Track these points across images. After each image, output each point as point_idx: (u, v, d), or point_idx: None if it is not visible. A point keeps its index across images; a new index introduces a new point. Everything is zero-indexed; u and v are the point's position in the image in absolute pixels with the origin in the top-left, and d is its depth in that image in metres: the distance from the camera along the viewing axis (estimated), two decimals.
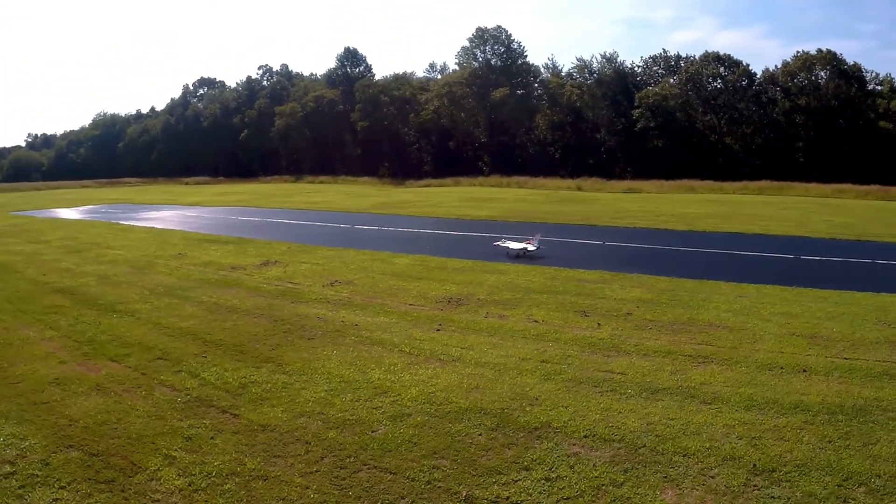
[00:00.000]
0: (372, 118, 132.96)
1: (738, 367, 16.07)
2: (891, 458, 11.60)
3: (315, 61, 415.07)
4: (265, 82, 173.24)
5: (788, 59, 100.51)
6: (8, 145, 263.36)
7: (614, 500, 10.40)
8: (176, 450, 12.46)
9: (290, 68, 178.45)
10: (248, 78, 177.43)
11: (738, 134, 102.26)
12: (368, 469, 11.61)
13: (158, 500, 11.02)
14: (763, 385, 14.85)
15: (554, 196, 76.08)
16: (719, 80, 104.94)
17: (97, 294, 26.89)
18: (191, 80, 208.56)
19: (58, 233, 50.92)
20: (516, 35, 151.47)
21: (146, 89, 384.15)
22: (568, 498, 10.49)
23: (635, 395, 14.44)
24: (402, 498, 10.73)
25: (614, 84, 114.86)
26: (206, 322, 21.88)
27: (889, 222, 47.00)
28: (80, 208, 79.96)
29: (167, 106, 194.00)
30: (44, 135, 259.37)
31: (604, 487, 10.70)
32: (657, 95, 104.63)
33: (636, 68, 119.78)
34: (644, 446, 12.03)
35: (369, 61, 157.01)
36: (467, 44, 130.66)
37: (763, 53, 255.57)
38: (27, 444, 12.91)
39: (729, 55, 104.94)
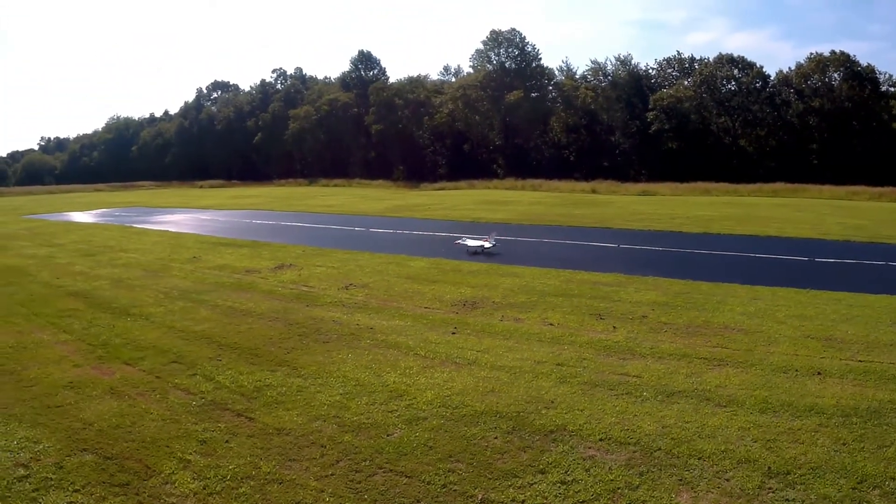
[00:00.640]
0: (386, 121, 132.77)
1: (753, 370, 15.99)
2: None
3: (329, 64, 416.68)
4: (279, 85, 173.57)
5: (802, 61, 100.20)
6: (21, 148, 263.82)
7: None
8: (191, 453, 12.45)
9: (304, 71, 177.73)
10: (262, 81, 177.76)
11: (752, 136, 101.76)
12: (384, 473, 11.57)
13: None
14: (778, 388, 14.78)
15: (569, 199, 76.01)
16: (733, 83, 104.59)
17: (111, 297, 26.89)
18: (204, 84, 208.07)
19: (71, 236, 50.92)
20: (530, 37, 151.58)
21: (159, 93, 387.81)
22: (583, 501, 10.45)
23: (651, 398, 14.38)
24: (418, 501, 10.71)
25: (629, 86, 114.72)
26: (220, 325, 21.88)
27: None
28: (94, 212, 80.00)
29: (181, 109, 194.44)
30: (57, 138, 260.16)
31: (619, 491, 10.66)
32: (671, 98, 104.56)
33: (650, 70, 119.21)
34: (659, 449, 11.98)
35: (383, 64, 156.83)
36: (481, 46, 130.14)
37: (776, 55, 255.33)
38: (41, 447, 12.90)
39: (743, 57, 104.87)
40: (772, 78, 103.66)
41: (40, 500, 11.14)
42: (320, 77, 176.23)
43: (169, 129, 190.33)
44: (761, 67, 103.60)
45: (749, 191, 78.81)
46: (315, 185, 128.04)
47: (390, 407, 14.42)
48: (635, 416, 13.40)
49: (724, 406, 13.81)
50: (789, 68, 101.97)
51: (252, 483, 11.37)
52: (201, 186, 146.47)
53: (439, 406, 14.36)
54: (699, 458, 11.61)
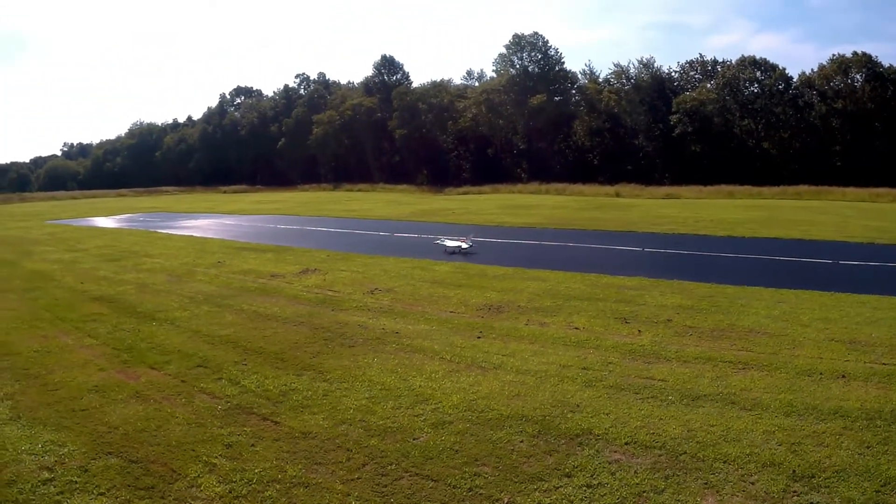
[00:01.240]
0: (410, 126, 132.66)
1: (777, 373, 15.93)
2: None
3: (352, 69, 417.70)
4: (302, 90, 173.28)
5: (824, 63, 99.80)
6: (44, 154, 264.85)
7: None
8: (216, 457, 12.48)
9: (327, 76, 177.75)
10: (286, 86, 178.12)
11: (775, 138, 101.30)
12: (410, 476, 11.58)
13: None
14: (802, 391, 14.72)
15: (593, 202, 75.82)
16: (756, 85, 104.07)
17: (136, 302, 27.02)
18: (227, 89, 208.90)
19: (95, 241, 51.19)
20: (553, 41, 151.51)
21: (182, 99, 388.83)
22: None
23: (676, 401, 14.35)
24: None
25: (652, 89, 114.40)
26: (246, 330, 21.95)
27: None
28: (118, 217, 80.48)
29: (204, 115, 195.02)
30: (80, 144, 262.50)
31: (645, 494, 10.65)
32: (694, 100, 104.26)
33: (673, 73, 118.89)
34: (685, 453, 11.97)
35: (406, 69, 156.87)
36: (504, 51, 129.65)
37: (799, 57, 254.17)
38: (66, 450, 12.96)
39: (765, 59, 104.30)
40: (794, 80, 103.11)
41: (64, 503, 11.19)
42: (343, 82, 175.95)
43: (192, 135, 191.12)
44: (784, 69, 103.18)
45: (773, 193, 78.44)
46: (339, 190, 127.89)
47: (416, 411, 14.42)
48: (661, 420, 13.39)
49: (749, 409, 13.77)
50: (812, 70, 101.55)
51: (278, 486, 11.39)
52: (225, 191, 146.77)
53: (465, 410, 14.35)
54: (724, 462, 11.59)
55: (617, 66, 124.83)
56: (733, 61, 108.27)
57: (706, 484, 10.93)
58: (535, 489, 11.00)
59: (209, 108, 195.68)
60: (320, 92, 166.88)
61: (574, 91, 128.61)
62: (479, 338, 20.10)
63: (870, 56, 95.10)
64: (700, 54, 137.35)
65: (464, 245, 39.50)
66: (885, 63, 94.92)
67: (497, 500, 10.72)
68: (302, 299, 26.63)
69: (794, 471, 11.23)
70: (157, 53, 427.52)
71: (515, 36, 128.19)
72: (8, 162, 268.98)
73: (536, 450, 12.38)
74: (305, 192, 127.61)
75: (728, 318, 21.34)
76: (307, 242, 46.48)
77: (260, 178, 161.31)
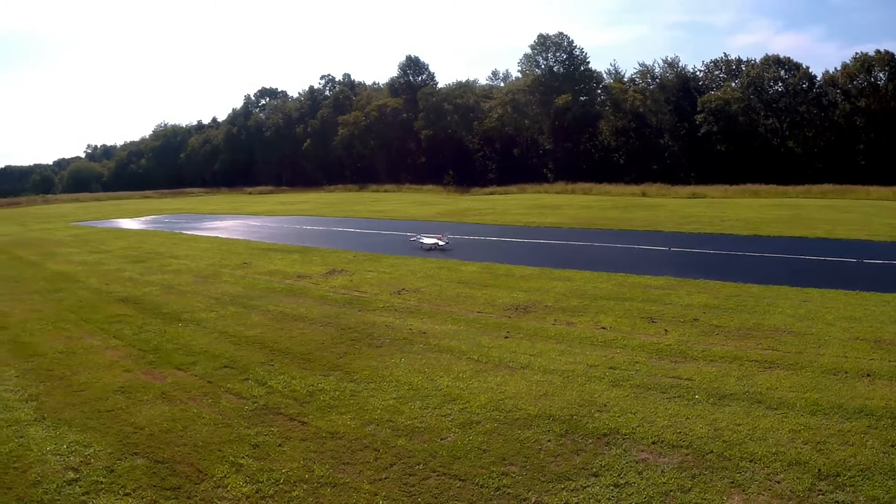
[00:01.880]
0: (435, 126, 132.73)
1: (803, 372, 15.90)
2: None
3: (377, 70, 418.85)
4: (327, 92, 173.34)
5: (847, 61, 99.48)
6: (67, 156, 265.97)
7: None
8: (243, 457, 12.53)
9: (352, 77, 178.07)
10: (311, 88, 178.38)
11: (799, 137, 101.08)
12: (437, 476, 11.60)
13: None
14: (828, 390, 14.70)
15: (619, 202, 75.71)
16: (780, 84, 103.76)
17: (162, 303, 27.17)
18: (252, 91, 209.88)
19: (120, 243, 51.63)
20: (578, 41, 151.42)
21: (206, 101, 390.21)
22: None
23: (703, 400, 14.34)
24: None
25: (676, 89, 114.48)
26: (272, 331, 22.00)
27: None
28: (143, 218, 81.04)
29: (229, 116, 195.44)
30: (103, 146, 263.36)
31: (671, 493, 10.66)
32: (719, 100, 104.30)
33: (697, 72, 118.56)
34: (711, 452, 11.97)
35: (431, 69, 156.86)
36: (529, 51, 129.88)
37: (822, 55, 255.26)
38: (91, 451, 13.03)
39: (789, 58, 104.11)
40: (818, 79, 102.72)
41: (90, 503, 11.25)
42: (368, 83, 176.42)
43: (217, 136, 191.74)
44: (807, 68, 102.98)
45: (797, 192, 78.25)
46: (365, 191, 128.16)
47: (444, 411, 14.45)
48: (687, 419, 13.39)
49: (775, 408, 13.76)
50: (835, 69, 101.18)
51: (305, 486, 11.42)
52: (250, 192, 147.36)
53: (492, 410, 14.36)
54: (750, 461, 11.59)
55: (642, 65, 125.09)
56: (757, 60, 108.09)
57: (732, 483, 10.94)
58: (563, 488, 11.01)
59: (234, 110, 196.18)
60: (345, 93, 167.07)
61: (599, 91, 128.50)
62: (506, 338, 20.10)
63: (892, 54, 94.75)
64: (724, 53, 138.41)
65: (440, 242, 41.84)
66: None
67: (524, 500, 10.73)
68: (329, 300, 26.69)
69: (819, 469, 11.22)
70: (181, 55, 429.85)
71: (540, 36, 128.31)
72: (31, 164, 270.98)
73: (564, 449, 12.39)
74: (331, 193, 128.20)
75: (754, 317, 21.30)
76: (333, 243, 46.66)
77: (285, 179, 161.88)
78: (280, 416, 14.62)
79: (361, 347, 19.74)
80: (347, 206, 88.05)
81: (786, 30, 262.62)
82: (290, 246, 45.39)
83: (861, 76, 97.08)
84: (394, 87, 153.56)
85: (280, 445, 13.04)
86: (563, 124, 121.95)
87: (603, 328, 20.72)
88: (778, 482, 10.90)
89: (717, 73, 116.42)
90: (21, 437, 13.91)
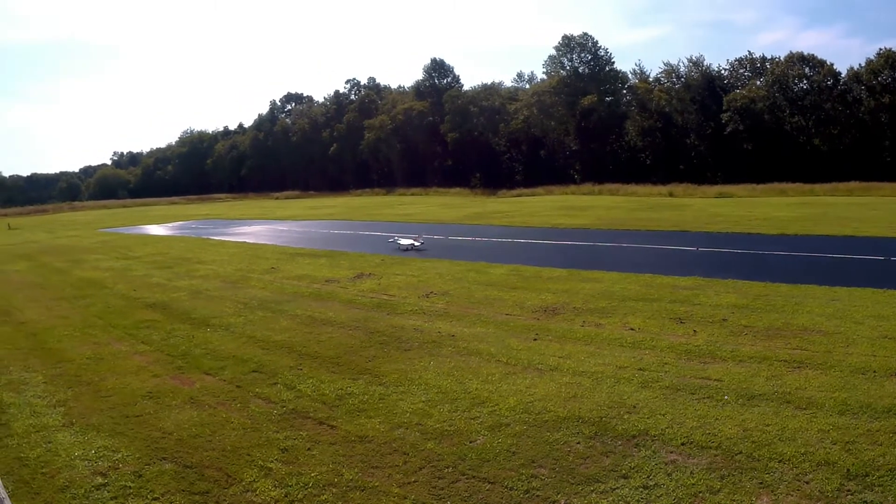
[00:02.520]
0: (462, 129, 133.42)
1: (831, 372, 15.80)
2: None
3: (402, 73, 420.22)
4: (353, 96, 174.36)
5: (871, 57, 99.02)
6: (93, 164, 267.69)
7: None
8: (272, 461, 12.55)
9: (377, 81, 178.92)
10: (336, 92, 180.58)
11: (825, 135, 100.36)
12: (467, 479, 11.59)
13: None
14: (856, 389, 14.59)
15: (646, 203, 75.89)
16: (805, 81, 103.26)
17: (190, 308, 27.29)
18: (278, 96, 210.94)
19: (147, 248, 52.24)
20: (602, 41, 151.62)
21: (232, 107, 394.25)
22: None
23: (732, 401, 14.27)
24: None
25: (702, 88, 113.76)
26: (301, 335, 22.03)
27: None
28: (170, 224, 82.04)
29: (255, 122, 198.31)
30: (130, 153, 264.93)
31: (701, 495, 10.62)
32: (745, 98, 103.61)
33: (723, 71, 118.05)
34: (740, 452, 11.91)
35: (456, 72, 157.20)
36: (554, 52, 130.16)
37: (846, 52, 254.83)
38: (119, 456, 13.08)
39: (813, 55, 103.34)
40: (842, 75, 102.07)
41: None
42: (394, 86, 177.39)
43: (244, 142, 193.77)
44: (832, 65, 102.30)
45: (824, 190, 77.92)
46: (392, 195, 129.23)
47: (473, 414, 14.43)
48: (716, 420, 13.34)
49: (804, 408, 13.68)
50: (859, 65, 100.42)
51: (334, 490, 11.42)
52: (277, 197, 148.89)
53: (522, 412, 14.32)
54: (779, 461, 11.53)
55: (667, 64, 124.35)
56: (781, 58, 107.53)
57: (761, 483, 10.88)
58: (592, 490, 10.98)
59: (260, 115, 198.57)
60: (371, 97, 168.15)
61: (625, 91, 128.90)
62: (535, 340, 20.05)
63: None
64: (749, 51, 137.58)
65: (416, 243, 44.11)
66: None
67: (554, 502, 10.71)
68: (357, 304, 26.71)
69: (848, 469, 11.14)
70: (206, 62, 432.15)
71: (565, 37, 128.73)
72: (57, 171, 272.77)
73: (593, 451, 12.36)
74: (358, 197, 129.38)
75: (782, 316, 21.18)
76: (361, 247, 46.80)
77: (312, 183, 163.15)
78: (309, 420, 14.63)
79: (390, 351, 19.74)
80: (374, 209, 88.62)
81: (809, 27, 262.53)
82: (317, 250, 45.64)
83: (885, 72, 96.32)
84: (419, 90, 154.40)
85: (309, 449, 13.05)
86: (589, 125, 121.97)
87: (632, 329, 20.65)
88: (807, 482, 10.84)
89: (741, 71, 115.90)
90: (49, 442, 13.98)
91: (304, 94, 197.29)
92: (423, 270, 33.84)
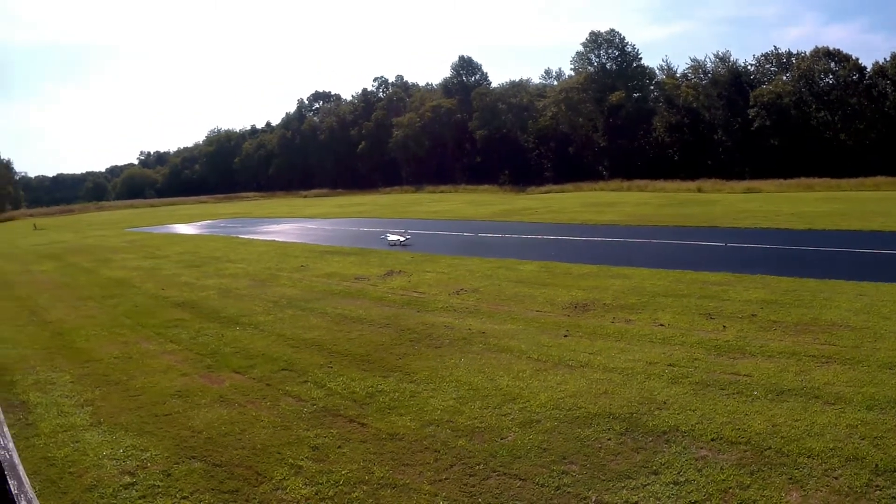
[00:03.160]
0: (490, 126, 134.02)
1: (860, 367, 15.70)
2: None
3: (429, 71, 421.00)
4: (381, 93, 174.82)
5: None
6: (120, 163, 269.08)
7: (741, 503, 10.24)
8: (302, 459, 12.53)
9: (405, 78, 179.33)
10: (364, 90, 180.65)
11: (851, 130, 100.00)
12: (498, 476, 11.55)
13: None
14: (885, 384, 14.49)
15: (674, 199, 76.13)
16: (831, 76, 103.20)
17: (219, 307, 27.33)
18: (305, 95, 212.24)
19: (176, 248, 52.45)
20: (629, 37, 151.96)
21: (259, 106, 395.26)
22: (696, 502, 10.35)
23: (761, 396, 14.20)
24: None
25: (728, 83, 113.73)
26: (331, 333, 22.03)
27: None
28: (198, 223, 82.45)
29: (282, 120, 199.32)
30: (157, 152, 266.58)
31: (730, 490, 10.55)
32: (771, 93, 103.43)
33: (749, 66, 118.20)
34: (770, 448, 11.84)
35: (484, 69, 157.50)
36: (581, 48, 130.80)
37: (869, 47, 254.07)
38: (148, 455, 13.07)
39: (838, 49, 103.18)
40: (867, 70, 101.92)
41: None
42: (422, 84, 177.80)
43: (271, 140, 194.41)
44: (857, 59, 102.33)
45: (851, 185, 77.96)
46: (421, 192, 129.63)
47: (504, 410, 14.39)
48: (746, 416, 13.28)
49: (833, 403, 13.61)
50: (884, 59, 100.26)
51: (365, 488, 11.39)
52: (305, 196, 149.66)
53: (553, 408, 14.28)
54: (808, 457, 11.45)
55: (693, 60, 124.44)
56: (807, 53, 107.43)
57: (791, 479, 10.82)
58: (623, 487, 10.92)
59: (287, 114, 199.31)
60: (399, 94, 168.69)
61: (652, 87, 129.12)
62: (565, 336, 20.01)
63: None
64: (774, 46, 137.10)
65: (402, 239, 46.52)
66: None
67: (584, 499, 10.65)
68: (387, 301, 26.73)
69: (876, 465, 11.06)
70: (232, 61, 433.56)
71: (592, 33, 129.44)
72: (84, 171, 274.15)
73: (624, 447, 12.31)
74: (387, 195, 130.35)
75: (811, 312, 21.09)
76: (391, 245, 46.65)
77: (340, 181, 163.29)
78: (339, 417, 14.61)
79: (421, 348, 19.71)
80: (404, 207, 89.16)
81: (833, 21, 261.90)
82: (347, 248, 45.96)
83: None
84: (447, 87, 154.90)
85: (339, 447, 13.03)
86: (617, 121, 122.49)
87: (661, 325, 20.61)
88: (835, 478, 10.76)
89: (767, 66, 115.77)
90: (77, 441, 13.98)
91: (332, 93, 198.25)
92: (453, 267, 33.91)
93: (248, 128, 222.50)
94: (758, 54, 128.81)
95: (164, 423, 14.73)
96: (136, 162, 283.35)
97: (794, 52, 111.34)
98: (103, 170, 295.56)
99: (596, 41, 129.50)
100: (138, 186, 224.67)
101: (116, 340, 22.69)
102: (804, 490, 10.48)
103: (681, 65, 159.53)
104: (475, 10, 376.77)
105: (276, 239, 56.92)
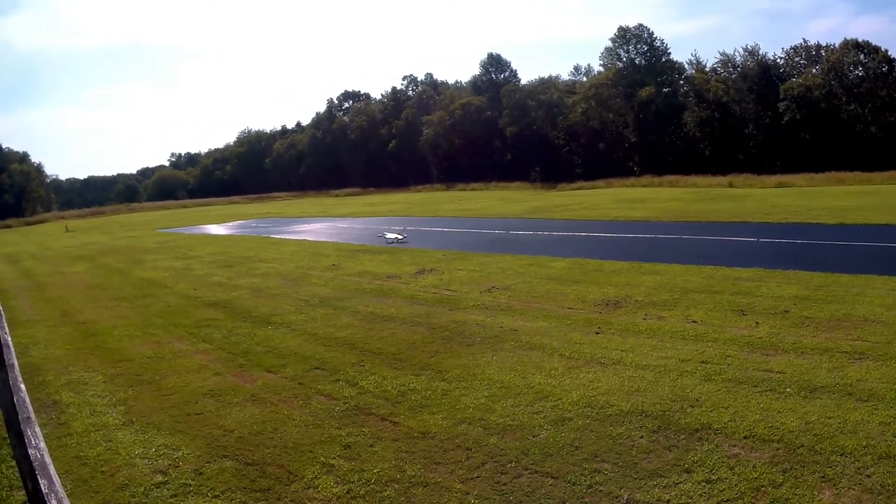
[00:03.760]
0: (520, 123, 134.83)
1: (892, 363, 15.53)
2: None
3: (458, 69, 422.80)
4: (410, 92, 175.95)
5: None
6: (151, 165, 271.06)
7: (773, 502, 10.12)
8: (334, 458, 12.54)
9: (434, 76, 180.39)
10: (393, 89, 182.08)
11: (882, 122, 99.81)
12: (529, 474, 11.50)
13: None
14: None
15: (706, 194, 75.91)
16: (860, 68, 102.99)
17: (251, 306, 27.42)
18: (335, 94, 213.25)
19: (207, 248, 52.60)
20: (658, 32, 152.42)
21: (289, 106, 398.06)
22: (728, 500, 10.24)
23: (794, 393, 14.10)
24: (564, 502, 10.59)
25: (758, 77, 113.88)
26: (362, 331, 22.06)
27: None
28: (229, 223, 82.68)
29: (312, 120, 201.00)
30: (188, 154, 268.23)
31: (763, 489, 10.45)
32: (801, 87, 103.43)
33: (778, 60, 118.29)
34: (802, 446, 11.74)
35: (513, 66, 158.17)
36: (610, 44, 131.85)
37: None
38: (180, 454, 13.12)
39: (868, 41, 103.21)
40: None
41: None
42: (451, 82, 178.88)
43: (302, 140, 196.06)
44: (886, 51, 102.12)
45: (882, 178, 77.84)
46: (452, 190, 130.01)
47: (536, 408, 14.34)
48: (779, 413, 13.20)
49: (865, 400, 13.48)
50: None
51: (396, 486, 11.38)
52: (337, 195, 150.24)
53: (585, 406, 14.23)
54: (841, 455, 11.34)
55: (723, 54, 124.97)
56: (836, 45, 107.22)
57: (823, 477, 10.72)
58: (655, 485, 10.86)
59: (317, 114, 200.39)
60: (428, 92, 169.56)
61: (682, 82, 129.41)
62: (597, 333, 19.95)
63: None
64: (804, 39, 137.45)
65: (399, 237, 48.07)
66: None
67: (616, 497, 10.59)
68: (419, 299, 26.76)
69: None
70: (262, 63, 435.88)
71: (620, 29, 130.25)
72: (115, 174, 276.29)
73: (656, 445, 12.26)
74: (418, 193, 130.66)
75: (843, 307, 20.92)
76: (422, 243, 46.90)
77: (371, 180, 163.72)
78: (371, 416, 14.62)
79: (452, 346, 19.70)
80: (435, 205, 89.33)
81: (863, 12, 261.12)
82: (378, 247, 45.89)
83: None
84: (476, 85, 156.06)
85: (371, 446, 13.03)
86: (647, 117, 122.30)
87: (694, 322, 20.53)
88: (868, 476, 10.65)
89: (797, 59, 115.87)
90: (109, 441, 14.05)
91: (362, 92, 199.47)
92: (484, 265, 33.89)
93: (279, 128, 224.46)
94: (787, 47, 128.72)
95: (196, 423, 14.79)
96: (167, 163, 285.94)
97: (823, 44, 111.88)
98: (134, 172, 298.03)
99: (624, 36, 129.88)
100: (169, 187, 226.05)
101: (149, 340, 22.81)
102: (836, 488, 10.39)
103: (710, 59, 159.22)
104: (503, 8, 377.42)
105: (308, 238, 56.66)
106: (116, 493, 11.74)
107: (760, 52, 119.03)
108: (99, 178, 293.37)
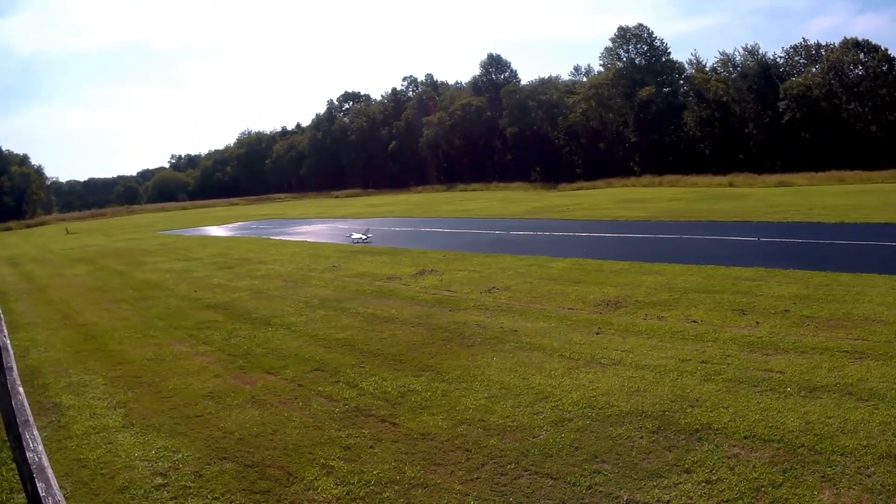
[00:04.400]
0: (520, 123, 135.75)
1: (893, 362, 15.54)
2: None
3: (458, 69, 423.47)
4: (410, 93, 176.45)
5: None
6: (151, 167, 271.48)
7: (773, 502, 10.13)
8: (334, 459, 12.55)
9: (434, 77, 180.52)
10: (393, 89, 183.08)
11: (882, 121, 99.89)
12: (529, 475, 11.50)
13: None
14: None
15: (706, 193, 76.14)
16: (860, 67, 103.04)
17: (251, 308, 27.45)
18: (335, 95, 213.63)
19: (208, 250, 52.80)
20: (658, 32, 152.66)
21: (289, 107, 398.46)
22: (728, 500, 10.26)
23: (794, 393, 14.11)
24: (564, 503, 10.63)
25: (758, 76, 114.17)
26: (363, 333, 22.07)
27: None
28: (230, 225, 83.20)
29: (313, 121, 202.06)
30: (188, 155, 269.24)
31: (763, 489, 10.46)
32: (801, 86, 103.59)
33: (778, 59, 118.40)
34: (802, 446, 11.75)
35: (513, 67, 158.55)
36: (610, 44, 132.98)
37: None
38: (180, 456, 13.13)
39: (868, 40, 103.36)
40: None
41: None
42: (451, 82, 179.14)
43: (302, 142, 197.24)
44: (886, 50, 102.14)
45: (882, 177, 77.95)
46: (452, 191, 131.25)
47: (536, 409, 14.35)
48: (779, 413, 13.21)
49: (866, 400, 13.49)
50: None
51: (396, 488, 11.39)
52: (337, 196, 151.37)
53: (585, 407, 14.24)
54: (841, 454, 11.35)
55: (723, 54, 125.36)
56: (836, 44, 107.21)
57: (823, 477, 10.73)
58: (655, 486, 10.87)
59: (317, 115, 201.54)
60: (428, 93, 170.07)
61: (682, 81, 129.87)
62: (597, 334, 19.96)
63: None
64: (803, 38, 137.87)
65: (364, 237, 50.03)
66: None
67: (616, 498, 10.60)
68: (419, 300, 26.78)
69: None
70: (262, 64, 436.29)
71: (620, 29, 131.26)
72: (115, 176, 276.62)
73: (656, 446, 12.27)
74: (419, 194, 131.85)
75: (843, 307, 20.94)
76: (422, 244, 46.96)
77: (372, 181, 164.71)
78: (371, 417, 14.63)
79: (453, 347, 19.71)
80: (435, 206, 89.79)
81: (862, 11, 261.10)
82: (378, 248, 45.92)
83: None
84: (476, 85, 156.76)
85: (371, 447, 13.04)
86: (647, 116, 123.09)
87: (694, 322, 20.55)
88: (868, 476, 10.66)
89: (796, 58, 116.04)
90: (109, 443, 14.07)
91: (362, 93, 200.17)
92: (484, 266, 33.94)
93: (279, 129, 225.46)
94: (787, 46, 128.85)
95: (196, 425, 14.81)
96: (167, 165, 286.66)
97: (823, 43, 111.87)
98: (134, 174, 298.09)
99: (624, 36, 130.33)
100: (170, 189, 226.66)
101: (149, 342, 22.83)
102: (836, 489, 10.39)
103: (710, 59, 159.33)
104: (502, 8, 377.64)
105: (308, 239, 56.99)
106: (116, 496, 11.75)
107: (760, 52, 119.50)
108: (99, 180, 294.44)
